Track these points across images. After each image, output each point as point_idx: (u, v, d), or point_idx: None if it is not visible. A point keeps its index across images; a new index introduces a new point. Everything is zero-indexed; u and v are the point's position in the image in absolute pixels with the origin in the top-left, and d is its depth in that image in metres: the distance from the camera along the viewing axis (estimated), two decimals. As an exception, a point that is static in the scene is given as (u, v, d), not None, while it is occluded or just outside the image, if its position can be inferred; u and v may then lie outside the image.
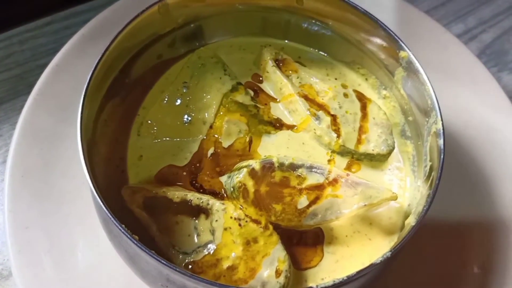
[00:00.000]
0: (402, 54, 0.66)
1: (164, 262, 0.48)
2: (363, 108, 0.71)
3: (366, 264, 0.63)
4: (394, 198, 0.61)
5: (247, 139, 0.69)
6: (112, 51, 0.62)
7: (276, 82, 0.73)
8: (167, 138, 0.69)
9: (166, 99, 0.70)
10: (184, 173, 0.66)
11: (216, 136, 0.69)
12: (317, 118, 0.69)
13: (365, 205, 0.61)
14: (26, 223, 0.65)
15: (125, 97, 0.70)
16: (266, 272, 0.59)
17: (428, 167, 0.61)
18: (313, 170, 0.62)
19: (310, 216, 0.61)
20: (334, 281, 0.51)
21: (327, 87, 0.72)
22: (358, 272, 0.51)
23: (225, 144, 0.69)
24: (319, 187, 0.62)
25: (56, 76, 0.76)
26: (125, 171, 0.66)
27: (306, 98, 0.71)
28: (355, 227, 0.65)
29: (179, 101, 0.70)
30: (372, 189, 0.61)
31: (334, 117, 0.69)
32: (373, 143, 0.68)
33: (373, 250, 0.64)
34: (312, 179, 0.62)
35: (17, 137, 0.70)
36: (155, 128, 0.69)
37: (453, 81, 0.84)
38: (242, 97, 0.71)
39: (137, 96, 0.72)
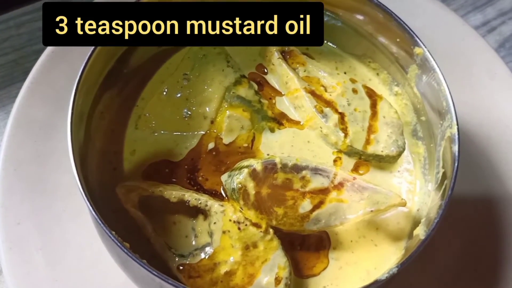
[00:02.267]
0: (417, 50, 0.62)
1: (156, 273, 0.46)
2: (373, 105, 0.67)
3: (371, 271, 0.61)
4: (403, 204, 0.58)
5: (250, 136, 0.66)
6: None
7: (282, 75, 0.69)
8: (166, 132, 0.65)
9: (165, 91, 0.66)
10: (179, 170, 0.63)
11: (216, 131, 0.65)
12: (324, 115, 0.66)
13: (371, 211, 0.58)
14: (18, 218, 0.63)
15: (123, 88, 0.67)
16: (265, 279, 0.56)
17: (440, 174, 0.58)
18: (318, 172, 0.59)
19: (313, 221, 0.58)
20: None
21: (335, 82, 0.68)
22: (361, 289, 0.48)
23: (226, 140, 0.65)
24: (324, 191, 0.58)
25: (52, 63, 0.72)
26: (118, 167, 0.63)
27: (313, 93, 0.67)
28: (361, 232, 0.62)
29: (179, 94, 0.66)
30: (380, 194, 0.58)
31: (342, 115, 0.66)
32: (382, 144, 0.65)
33: (379, 257, 0.61)
34: (317, 182, 0.59)
35: (10, 128, 0.67)
36: (153, 122, 0.65)
37: (469, 76, 0.80)
38: (245, 91, 0.67)
39: (135, 86, 0.68)
